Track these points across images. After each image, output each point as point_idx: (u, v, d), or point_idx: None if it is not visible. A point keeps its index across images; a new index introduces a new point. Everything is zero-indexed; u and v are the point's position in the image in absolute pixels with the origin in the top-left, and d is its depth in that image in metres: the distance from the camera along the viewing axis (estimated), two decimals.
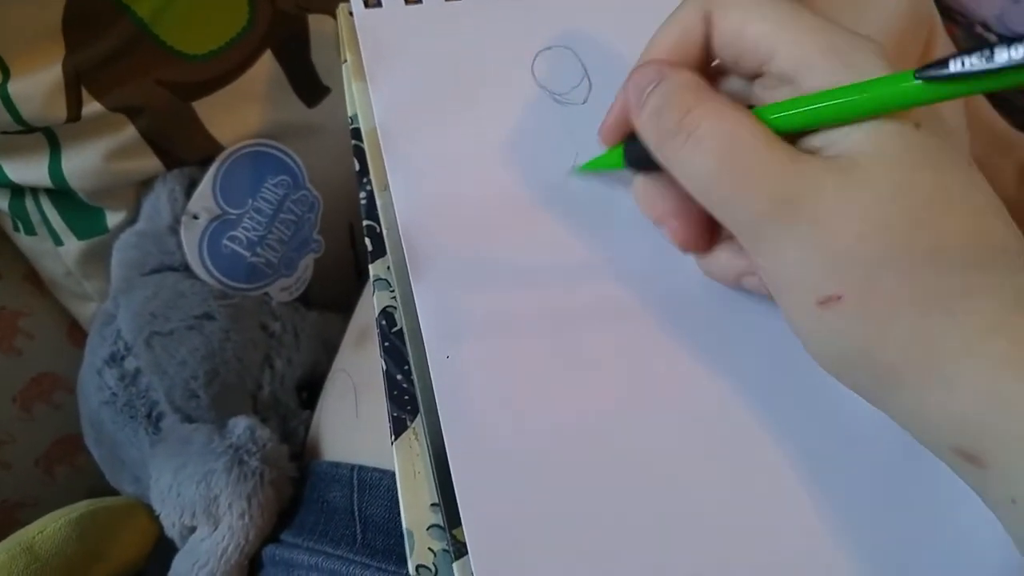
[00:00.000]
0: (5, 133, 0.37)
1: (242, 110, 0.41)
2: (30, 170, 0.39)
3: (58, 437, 0.49)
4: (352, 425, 0.36)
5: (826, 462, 0.26)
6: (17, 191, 0.42)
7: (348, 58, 0.33)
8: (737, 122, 0.22)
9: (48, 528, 0.36)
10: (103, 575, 0.37)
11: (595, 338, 0.28)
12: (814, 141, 0.23)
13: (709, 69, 0.26)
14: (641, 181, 0.28)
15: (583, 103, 0.32)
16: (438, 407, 0.26)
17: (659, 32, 0.26)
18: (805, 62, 0.22)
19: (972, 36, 0.64)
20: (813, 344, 0.23)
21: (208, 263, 0.40)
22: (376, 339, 0.29)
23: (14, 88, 0.35)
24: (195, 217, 0.40)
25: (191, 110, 0.40)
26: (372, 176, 0.31)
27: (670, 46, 0.25)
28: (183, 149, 0.41)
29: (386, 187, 0.30)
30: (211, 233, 0.40)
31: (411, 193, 0.30)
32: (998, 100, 0.59)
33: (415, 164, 0.31)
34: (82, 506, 0.37)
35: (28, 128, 0.37)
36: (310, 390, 0.42)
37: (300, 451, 0.39)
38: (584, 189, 0.30)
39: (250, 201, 0.41)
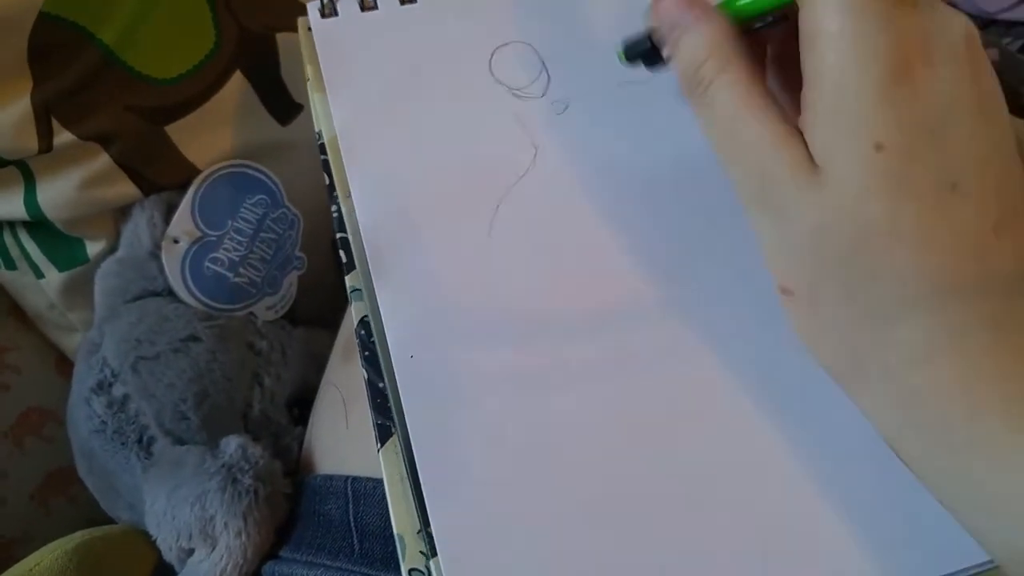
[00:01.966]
0: None
1: (216, 132, 0.42)
2: (5, 204, 0.39)
3: (51, 470, 0.48)
4: (343, 437, 0.36)
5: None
6: None
7: (310, 73, 0.33)
8: (747, 99, 0.23)
9: (45, 560, 0.35)
10: None
11: (558, 336, 0.28)
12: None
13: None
14: None
15: (542, 96, 0.32)
16: (403, 407, 0.27)
17: None
18: None
19: None
20: (787, 321, 0.24)
21: (191, 286, 0.40)
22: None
23: None
24: (175, 241, 0.40)
25: (164, 134, 0.40)
26: (336, 184, 0.31)
27: None
28: (159, 174, 0.41)
29: (349, 194, 0.31)
30: (192, 256, 0.40)
31: (372, 197, 0.30)
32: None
33: (375, 168, 0.31)
34: (78, 536, 0.37)
35: (1, 162, 0.37)
36: (301, 406, 0.42)
37: (294, 467, 0.39)
38: (544, 184, 0.31)
39: (230, 222, 0.42)
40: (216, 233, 0.41)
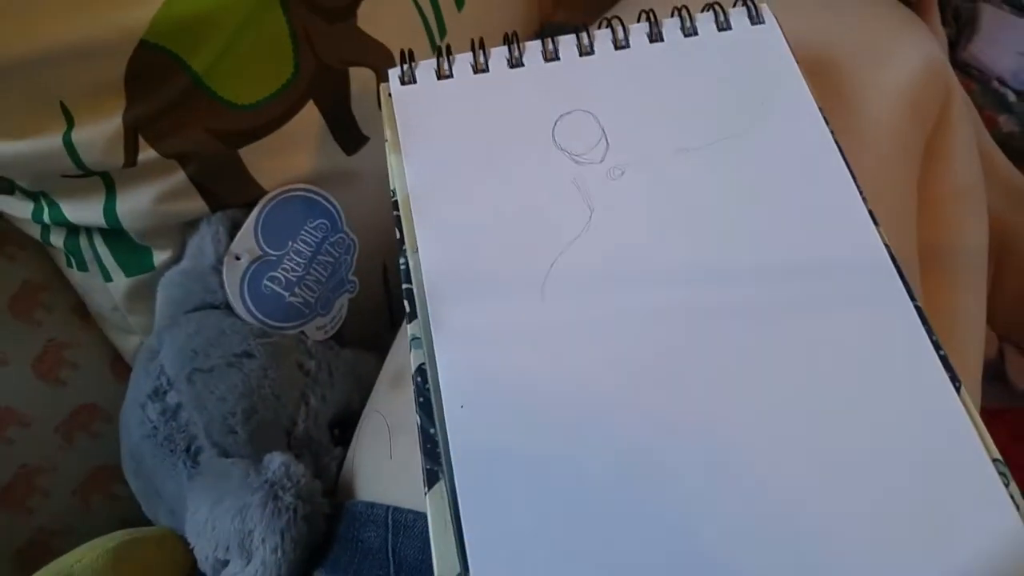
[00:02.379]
0: (66, 176, 0.40)
1: (285, 157, 0.43)
2: (87, 211, 0.41)
3: (96, 467, 0.50)
4: (386, 466, 0.37)
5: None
6: (72, 230, 0.44)
7: (389, 136, 0.36)
8: None
9: (86, 557, 0.37)
10: None
11: (605, 394, 0.29)
12: None
13: None
14: None
15: (600, 162, 0.34)
16: (451, 455, 0.28)
17: None
18: None
19: (989, 91, 0.65)
20: None
21: (249, 303, 0.41)
22: (409, 384, 0.31)
23: (77, 136, 0.37)
24: (237, 258, 0.41)
25: (237, 157, 0.42)
26: (406, 239, 0.33)
27: None
28: (228, 193, 0.43)
29: (416, 249, 0.33)
30: (252, 274, 0.42)
31: (436, 254, 0.32)
32: (1017, 154, 0.60)
33: (441, 227, 0.33)
34: (119, 536, 0.38)
35: (87, 172, 0.39)
36: (342, 427, 0.43)
37: (332, 487, 0.40)
38: (597, 246, 0.32)
39: (290, 243, 0.43)
40: (276, 253, 0.43)
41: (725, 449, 0.28)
